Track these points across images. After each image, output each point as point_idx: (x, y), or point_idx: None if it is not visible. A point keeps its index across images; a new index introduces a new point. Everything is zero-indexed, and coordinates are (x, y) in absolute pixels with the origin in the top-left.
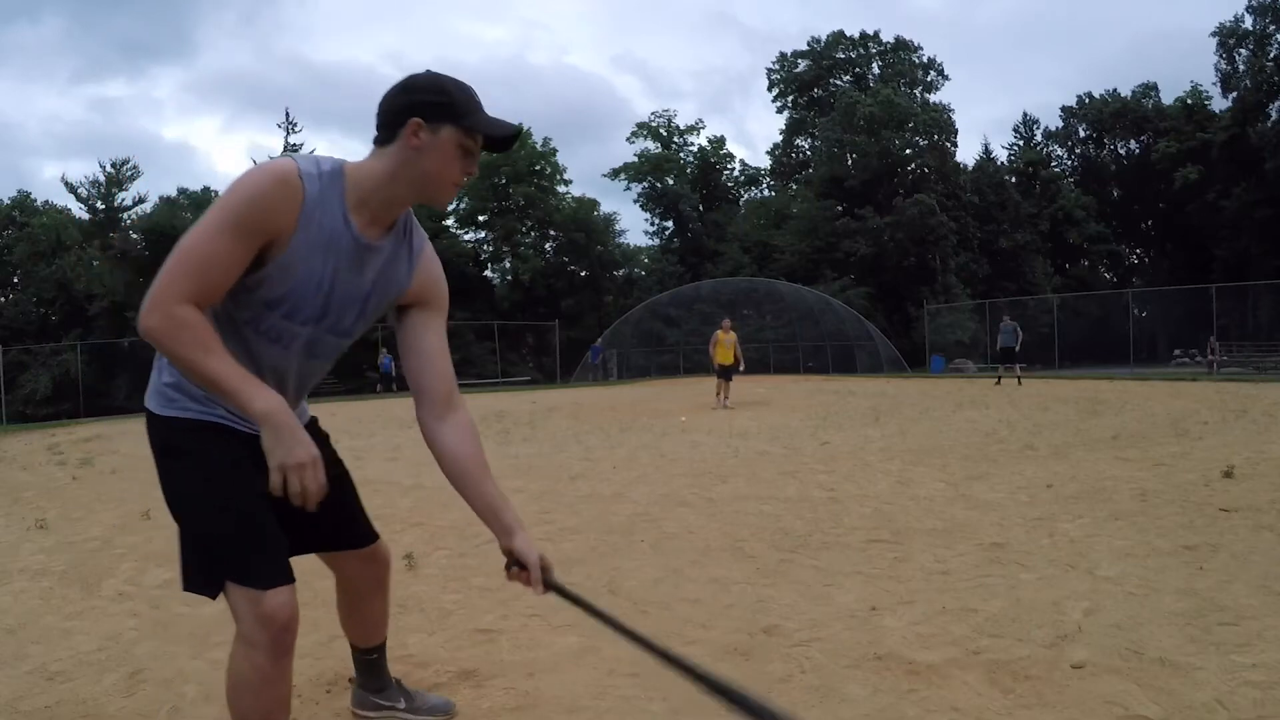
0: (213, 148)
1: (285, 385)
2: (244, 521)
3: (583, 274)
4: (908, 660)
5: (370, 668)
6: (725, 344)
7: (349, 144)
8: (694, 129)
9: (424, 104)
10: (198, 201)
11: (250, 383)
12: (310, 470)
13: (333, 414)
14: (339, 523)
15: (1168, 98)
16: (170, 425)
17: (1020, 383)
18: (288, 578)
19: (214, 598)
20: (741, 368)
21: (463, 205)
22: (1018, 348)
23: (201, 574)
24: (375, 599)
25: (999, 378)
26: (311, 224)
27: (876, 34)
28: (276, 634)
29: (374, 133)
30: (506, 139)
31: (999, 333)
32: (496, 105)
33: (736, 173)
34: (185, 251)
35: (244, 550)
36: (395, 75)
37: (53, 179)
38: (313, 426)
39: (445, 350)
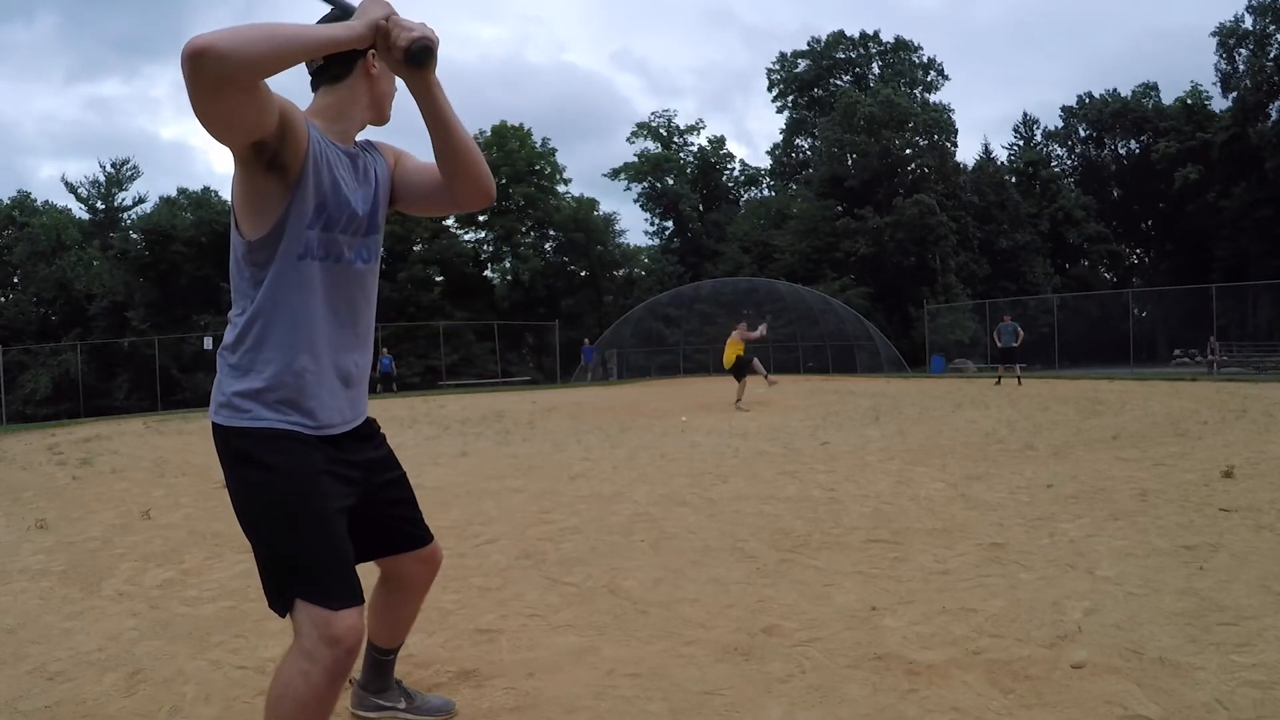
0: (211, 147)
1: (339, 355)
2: (322, 539)
3: (582, 274)
4: (908, 660)
5: (381, 668)
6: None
7: None
8: (694, 129)
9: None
10: (198, 201)
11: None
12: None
13: None
14: (404, 524)
15: (1168, 98)
16: (247, 435)
17: (1020, 383)
18: (358, 599)
19: (283, 615)
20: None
21: None
22: (1017, 347)
23: (275, 589)
24: (416, 600)
25: (999, 378)
26: (313, 145)
27: (876, 34)
28: (340, 656)
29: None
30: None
31: (998, 333)
32: (495, 104)
33: (736, 173)
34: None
35: (320, 568)
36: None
37: (50, 178)
38: (369, 426)
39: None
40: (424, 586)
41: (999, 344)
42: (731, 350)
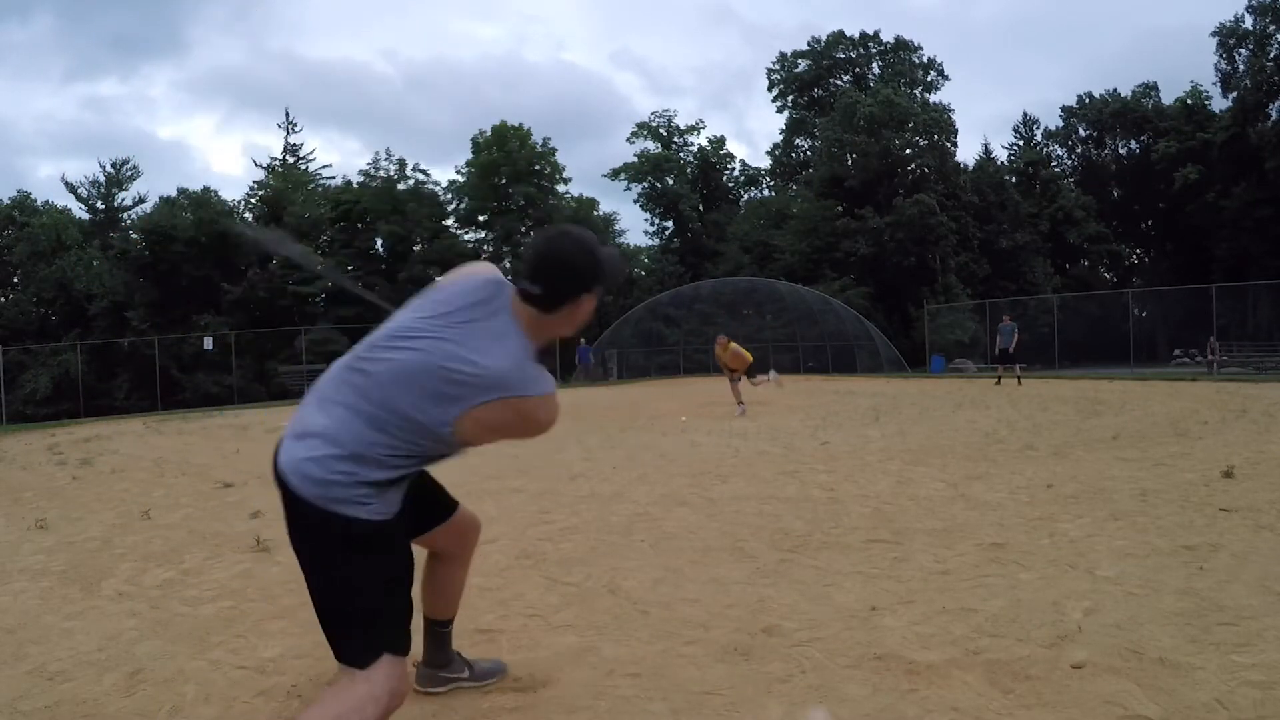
0: (208, 146)
1: None
2: (408, 604)
3: None
4: (908, 660)
5: (442, 641)
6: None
7: (346, 143)
8: (694, 129)
9: (595, 277)
10: (198, 201)
11: None
12: None
13: None
14: (428, 503)
15: (1168, 97)
16: (368, 526)
17: (1020, 383)
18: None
19: (364, 669)
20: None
21: (463, 205)
22: (1012, 348)
23: (365, 647)
24: (462, 570)
25: (999, 378)
26: None
27: (876, 34)
28: (398, 703)
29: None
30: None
31: (998, 333)
32: (494, 104)
33: (736, 173)
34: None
35: (404, 626)
36: (392, 73)
37: (47, 178)
38: None
39: None
40: (466, 555)
41: (998, 344)
42: (739, 358)
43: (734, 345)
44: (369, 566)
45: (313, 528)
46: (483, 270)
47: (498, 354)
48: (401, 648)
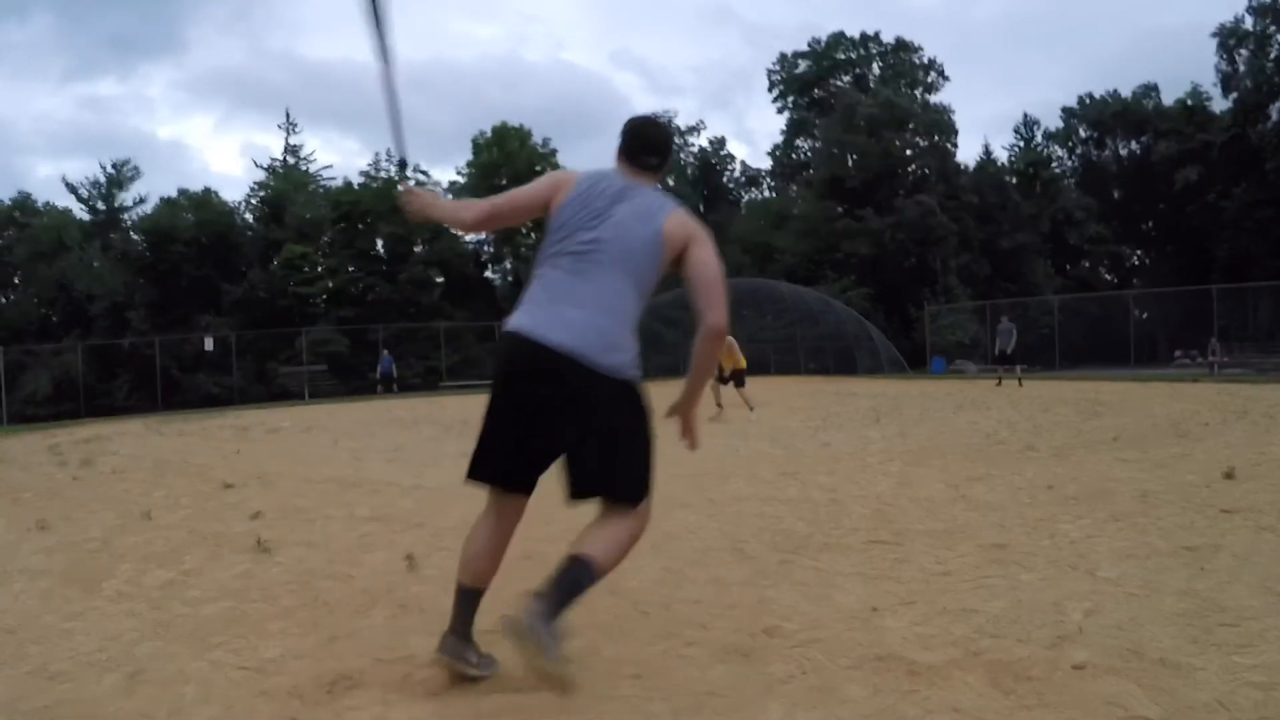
0: (207, 146)
1: None
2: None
3: None
4: (908, 661)
5: (474, 611)
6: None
7: (345, 143)
8: (694, 130)
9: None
10: (198, 202)
11: None
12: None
13: (332, 414)
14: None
15: (1168, 98)
16: (642, 388)
17: (1021, 384)
18: None
19: (638, 505)
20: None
21: None
22: (1010, 349)
23: (645, 488)
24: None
25: (999, 379)
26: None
27: (877, 35)
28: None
29: (619, 152)
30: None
31: (997, 334)
32: (493, 104)
33: (737, 173)
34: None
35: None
36: (390, 74)
37: (46, 178)
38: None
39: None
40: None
41: (998, 345)
42: (733, 358)
43: (731, 340)
44: (648, 421)
45: (606, 395)
46: (574, 174)
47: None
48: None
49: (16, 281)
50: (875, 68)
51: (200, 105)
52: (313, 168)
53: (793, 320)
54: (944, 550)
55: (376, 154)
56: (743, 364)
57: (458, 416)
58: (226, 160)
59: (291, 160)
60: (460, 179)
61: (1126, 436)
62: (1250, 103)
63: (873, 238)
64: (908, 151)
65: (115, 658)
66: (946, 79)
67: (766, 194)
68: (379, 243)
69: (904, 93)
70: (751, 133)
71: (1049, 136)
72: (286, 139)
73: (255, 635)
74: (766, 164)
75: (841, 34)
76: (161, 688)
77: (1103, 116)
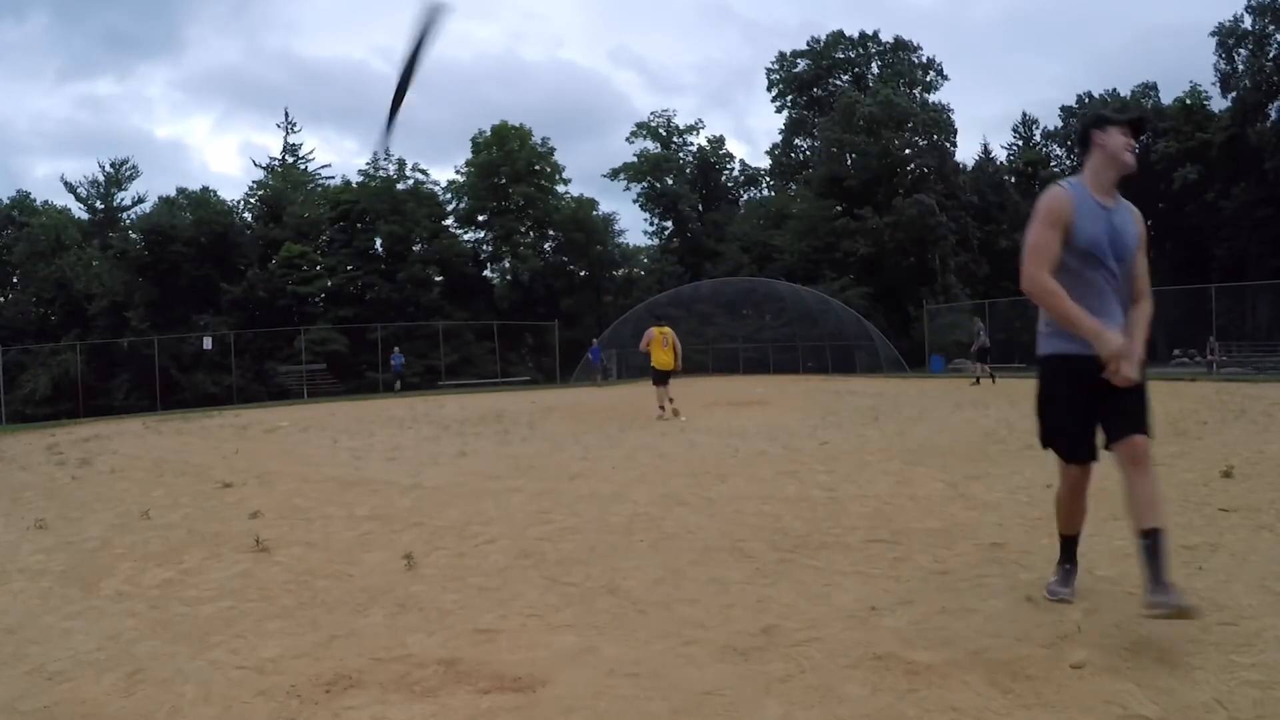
0: (206, 146)
1: (1100, 313)
2: (1058, 423)
3: (582, 274)
4: (907, 660)
5: (1143, 552)
6: (663, 344)
7: (344, 142)
8: (693, 129)
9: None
10: (197, 201)
11: (1081, 313)
12: (1116, 360)
13: (332, 414)
14: (1114, 417)
15: (1167, 97)
16: (1040, 361)
17: (994, 381)
18: (1082, 459)
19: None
20: (678, 368)
21: (462, 205)
22: (973, 349)
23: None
24: (1135, 483)
25: (978, 378)
26: (1082, 209)
27: (876, 34)
28: (1072, 483)
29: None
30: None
31: (978, 333)
32: (492, 103)
33: (736, 173)
34: (1029, 243)
35: (1053, 439)
36: (389, 72)
37: (44, 178)
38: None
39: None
40: (1132, 472)
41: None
42: (664, 353)
43: (667, 334)
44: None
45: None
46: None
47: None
48: (1055, 448)
49: (15, 281)
50: (874, 67)
51: (198, 105)
52: (311, 167)
53: (792, 319)
54: (942, 549)
55: (375, 153)
56: (674, 366)
57: (456, 416)
58: (225, 159)
59: (290, 159)
60: (459, 178)
61: None
62: (1249, 102)
63: (871, 237)
64: (906, 151)
65: (114, 657)
66: (945, 78)
67: (765, 193)
68: (378, 242)
69: (903, 92)
70: (751, 131)
71: (1048, 135)
72: (286, 138)
73: (254, 634)
74: (765, 163)
75: (841, 33)
76: (160, 687)
77: None
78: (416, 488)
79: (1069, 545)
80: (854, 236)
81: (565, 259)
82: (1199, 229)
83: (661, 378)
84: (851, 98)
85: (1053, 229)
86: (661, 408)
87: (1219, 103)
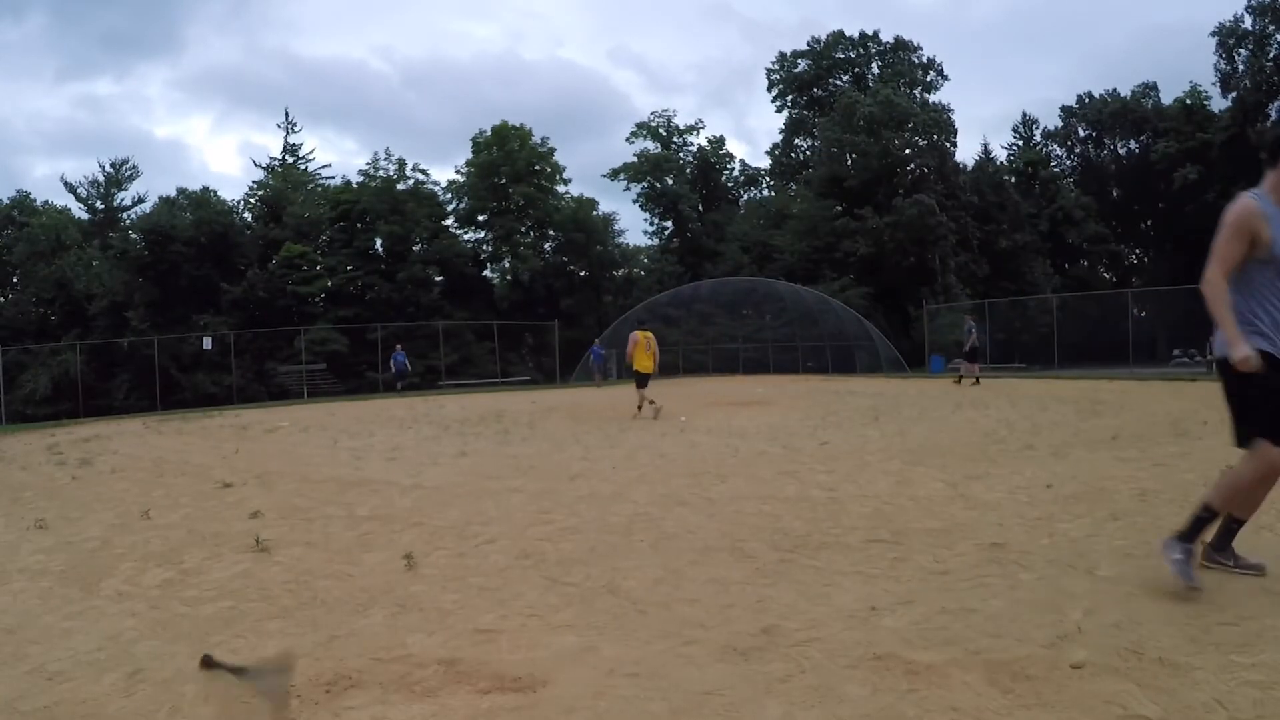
0: (205, 145)
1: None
2: (1260, 403)
3: (582, 274)
4: (907, 660)
5: (1228, 534)
6: (645, 348)
7: (343, 142)
8: (693, 129)
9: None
10: (197, 201)
11: (1230, 320)
12: (1245, 364)
13: (332, 414)
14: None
15: (1167, 97)
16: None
17: (978, 381)
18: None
19: (1240, 446)
20: (655, 371)
21: (462, 205)
22: (966, 348)
23: (1240, 438)
24: (1257, 489)
25: (960, 376)
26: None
27: (876, 34)
28: (1271, 466)
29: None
30: None
31: (969, 332)
32: (492, 102)
33: (736, 173)
34: (1217, 249)
35: (1258, 420)
36: (388, 71)
37: (44, 178)
38: None
39: None
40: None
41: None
42: (645, 356)
43: (650, 338)
44: (1230, 384)
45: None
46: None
47: None
48: (1265, 432)
49: (15, 281)
50: (874, 67)
51: (198, 104)
52: (311, 166)
53: (792, 319)
54: (942, 549)
55: (375, 153)
56: (652, 369)
57: (456, 415)
58: (225, 159)
59: (290, 159)
60: (459, 178)
61: (1125, 435)
62: (1250, 102)
63: (871, 237)
64: (906, 151)
65: (114, 657)
66: (945, 78)
67: (765, 193)
68: (378, 241)
69: (903, 92)
70: (751, 131)
71: (1048, 136)
72: (286, 138)
73: (254, 634)
74: (765, 163)
75: (841, 33)
76: (161, 687)
77: (1101, 116)
78: (417, 488)
79: (1235, 530)
80: (854, 236)
81: (565, 259)
82: (1199, 229)
83: (643, 380)
84: (851, 98)
85: (1240, 240)
86: (639, 408)
87: (1219, 103)
